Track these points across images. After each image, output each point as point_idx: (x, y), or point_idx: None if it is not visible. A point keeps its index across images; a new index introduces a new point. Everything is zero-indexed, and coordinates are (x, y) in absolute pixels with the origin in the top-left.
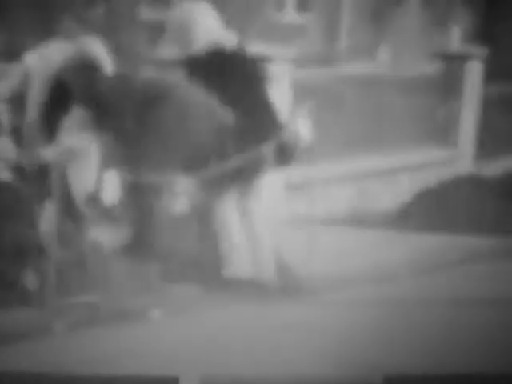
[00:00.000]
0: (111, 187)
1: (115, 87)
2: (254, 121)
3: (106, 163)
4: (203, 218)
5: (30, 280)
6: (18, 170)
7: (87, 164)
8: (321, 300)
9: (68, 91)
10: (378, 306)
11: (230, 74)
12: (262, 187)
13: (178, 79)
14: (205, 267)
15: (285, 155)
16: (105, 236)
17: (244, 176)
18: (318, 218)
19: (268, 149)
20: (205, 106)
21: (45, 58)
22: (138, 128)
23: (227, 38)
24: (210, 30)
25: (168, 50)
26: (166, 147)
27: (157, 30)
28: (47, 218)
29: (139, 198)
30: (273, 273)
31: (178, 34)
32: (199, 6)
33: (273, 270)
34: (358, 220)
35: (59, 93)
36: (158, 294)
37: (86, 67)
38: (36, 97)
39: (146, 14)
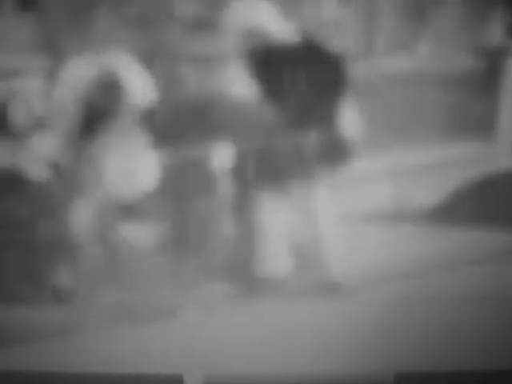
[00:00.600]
0: (149, 175)
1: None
2: (305, 113)
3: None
4: (240, 213)
5: (63, 278)
6: (53, 165)
7: (126, 156)
8: (354, 298)
9: (98, 111)
10: (410, 303)
11: (291, 66)
12: (321, 184)
13: (222, 81)
14: (239, 265)
15: (337, 153)
16: (140, 232)
17: (288, 170)
18: (356, 214)
19: (311, 139)
20: (252, 106)
21: (71, 80)
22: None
23: (286, 32)
24: (265, 25)
25: (218, 45)
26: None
27: (194, 26)
28: (82, 214)
29: (181, 190)
30: (336, 272)
31: (235, 30)
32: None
33: (337, 268)
34: (396, 216)
35: (90, 112)
36: (192, 292)
37: (112, 89)
38: (69, 117)
39: (183, 8)
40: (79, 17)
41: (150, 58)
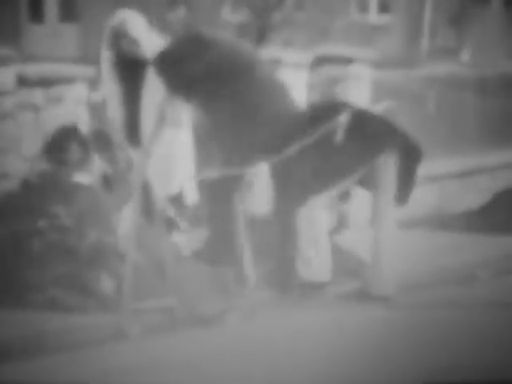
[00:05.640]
0: (192, 186)
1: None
2: None
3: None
4: (283, 219)
5: (106, 284)
6: (97, 173)
7: (174, 164)
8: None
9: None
10: (447, 309)
11: None
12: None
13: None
14: (282, 270)
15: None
16: (183, 239)
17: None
18: (398, 219)
19: (342, 121)
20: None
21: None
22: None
23: None
24: None
25: None
26: (251, 123)
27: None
28: (125, 221)
29: (217, 198)
30: (391, 278)
31: None
32: None
33: (392, 275)
34: (438, 221)
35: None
36: (234, 298)
37: None
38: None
39: (228, 15)
40: None
41: None
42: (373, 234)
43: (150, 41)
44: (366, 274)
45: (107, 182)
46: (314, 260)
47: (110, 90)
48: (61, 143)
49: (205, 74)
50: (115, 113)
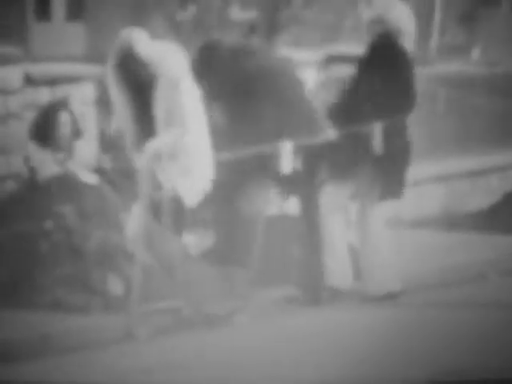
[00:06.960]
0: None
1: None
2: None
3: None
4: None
5: (114, 285)
6: (103, 173)
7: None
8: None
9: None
10: (454, 309)
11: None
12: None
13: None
14: (303, 273)
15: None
16: (192, 240)
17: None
18: (406, 218)
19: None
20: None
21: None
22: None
23: None
24: None
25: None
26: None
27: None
28: (133, 221)
29: (225, 198)
30: (383, 281)
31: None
32: None
33: (386, 278)
34: (447, 220)
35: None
36: (243, 299)
37: None
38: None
39: (236, 14)
40: (133, 22)
41: None
42: (359, 235)
43: (159, 56)
44: (362, 275)
45: (104, 176)
46: (332, 266)
47: (120, 104)
48: (50, 116)
49: (238, 79)
50: (125, 124)
